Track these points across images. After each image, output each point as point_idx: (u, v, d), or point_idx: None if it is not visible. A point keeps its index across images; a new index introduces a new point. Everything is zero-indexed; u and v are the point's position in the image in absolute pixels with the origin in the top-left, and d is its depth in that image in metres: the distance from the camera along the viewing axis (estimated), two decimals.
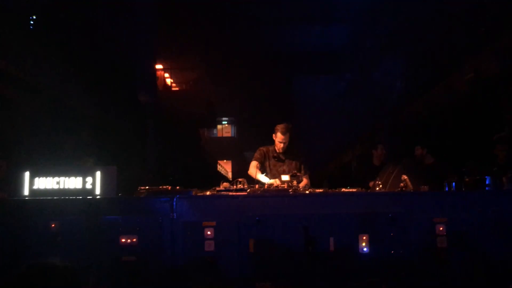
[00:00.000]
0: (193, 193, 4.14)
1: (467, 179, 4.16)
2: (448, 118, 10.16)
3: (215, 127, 27.39)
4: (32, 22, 9.12)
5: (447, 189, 4.24)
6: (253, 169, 5.28)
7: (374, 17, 18.84)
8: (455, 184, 4.21)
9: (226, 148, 26.98)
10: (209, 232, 3.76)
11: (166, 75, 20.52)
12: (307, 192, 4.18)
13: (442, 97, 10.87)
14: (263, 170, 5.35)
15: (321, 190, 4.27)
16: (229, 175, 26.66)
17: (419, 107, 12.27)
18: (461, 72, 9.85)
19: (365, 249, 3.72)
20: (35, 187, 4.03)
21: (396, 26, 17.59)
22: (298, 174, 4.63)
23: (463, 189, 4.14)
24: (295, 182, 4.37)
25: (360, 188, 4.38)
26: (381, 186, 4.50)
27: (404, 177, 4.22)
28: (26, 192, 4.02)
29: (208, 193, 4.17)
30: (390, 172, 4.58)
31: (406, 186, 4.18)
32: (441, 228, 3.71)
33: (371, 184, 5.55)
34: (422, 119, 11.96)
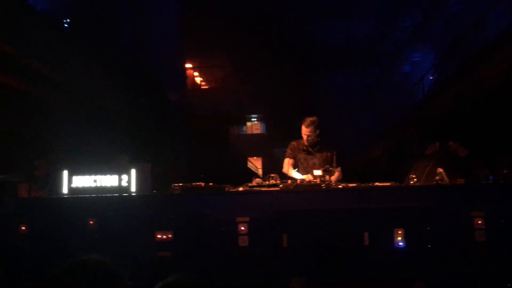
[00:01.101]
0: (226, 189, 4.17)
1: (505, 171, 4.05)
2: (479, 110, 9.87)
3: (244, 124, 27.45)
4: (66, 25, 9.35)
5: (484, 182, 4.14)
6: (287, 167, 5.32)
7: (400, 9, 18.53)
8: (492, 177, 4.11)
9: (255, 145, 26.96)
10: (242, 228, 3.79)
11: (195, 73, 20.70)
12: (340, 186, 4.15)
13: (473, 89, 10.58)
14: (295, 165, 5.37)
15: (354, 185, 4.23)
16: (259, 172, 26.67)
17: (449, 99, 11.98)
18: (494, 62, 9.56)
19: (400, 243, 3.67)
20: (73, 185, 4.14)
21: (424, 17, 17.28)
22: (331, 168, 4.60)
23: (502, 182, 4.03)
24: (327, 177, 4.34)
25: (392, 183, 4.32)
26: (415, 179, 4.42)
27: (440, 170, 4.14)
28: (65, 190, 4.14)
29: (240, 189, 4.20)
30: (424, 166, 4.50)
31: (442, 179, 4.10)
32: (479, 222, 3.63)
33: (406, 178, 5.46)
34: (453, 111, 11.67)
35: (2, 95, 7.54)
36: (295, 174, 5.11)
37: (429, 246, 3.67)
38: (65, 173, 4.16)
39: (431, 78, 15.28)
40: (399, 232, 3.68)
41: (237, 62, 20.85)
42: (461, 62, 11.84)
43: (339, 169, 5.23)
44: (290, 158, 5.38)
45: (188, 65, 18.92)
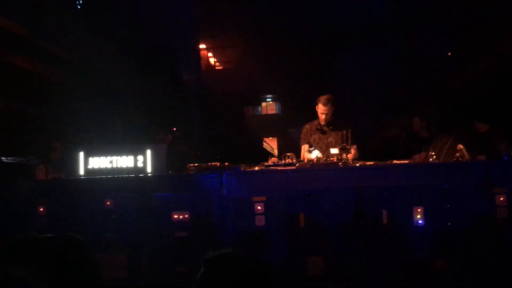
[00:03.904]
0: (242, 168, 4.14)
1: None
2: (499, 86, 9.63)
3: (259, 104, 27.35)
4: (78, 7, 9.32)
5: (506, 157, 4.03)
6: (303, 153, 5.31)
7: None
8: None
9: (271, 125, 26.91)
10: (259, 207, 3.76)
11: (209, 54, 20.59)
12: (357, 164, 4.09)
13: (492, 65, 10.32)
14: (311, 147, 5.35)
15: (371, 163, 4.16)
16: (275, 152, 26.66)
17: (468, 76, 11.72)
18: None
19: (420, 221, 3.61)
20: (89, 166, 4.15)
21: None
22: (347, 146, 4.53)
23: None
24: (344, 155, 4.27)
25: (410, 161, 4.24)
26: (434, 157, 4.33)
27: (460, 146, 4.03)
28: (81, 171, 4.15)
29: (256, 168, 4.16)
30: (444, 143, 4.40)
31: (462, 156, 4.00)
32: (501, 199, 3.54)
33: (415, 157, 5.37)
34: (472, 88, 11.42)
35: (19, 78, 7.59)
36: (312, 156, 5.08)
37: (449, 224, 3.60)
38: (81, 154, 4.17)
39: (449, 54, 14.97)
40: (419, 210, 3.62)
41: (251, 42, 20.67)
42: (480, 36, 11.53)
43: (355, 146, 5.16)
44: (305, 143, 5.37)
45: (202, 46, 18.80)
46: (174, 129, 6.16)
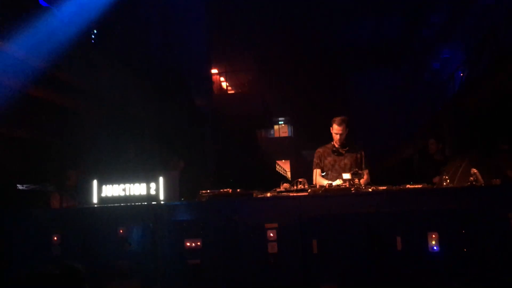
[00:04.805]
0: (254, 195, 4.13)
1: None
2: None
3: (272, 127, 27.46)
4: (93, 36, 9.53)
5: None
6: (315, 177, 5.32)
7: (429, 5, 18.13)
8: None
9: (284, 148, 26.97)
10: (271, 234, 3.74)
11: (222, 78, 20.81)
12: (370, 190, 4.06)
13: (506, 84, 10.24)
14: (324, 171, 5.35)
15: (384, 187, 4.13)
16: (288, 175, 26.61)
17: (484, 95, 11.63)
18: None
19: (435, 247, 3.56)
20: (103, 194, 4.19)
21: (454, 12, 16.86)
22: (360, 172, 4.52)
23: None
24: (356, 180, 4.26)
25: (425, 184, 4.20)
26: (448, 181, 4.29)
27: (474, 170, 3.99)
28: (95, 200, 4.19)
29: (268, 194, 4.16)
30: (457, 166, 4.36)
31: (476, 180, 3.96)
32: None
33: (435, 180, 5.33)
34: (488, 108, 11.32)
35: (34, 106, 7.74)
36: (324, 182, 5.07)
37: (465, 250, 3.54)
38: (95, 182, 4.22)
39: (461, 74, 14.93)
40: (433, 235, 3.56)
41: (263, 66, 20.87)
42: (493, 57, 11.50)
43: (367, 171, 5.17)
44: (318, 168, 5.37)
45: (214, 71, 19.02)
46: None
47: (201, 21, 15.25)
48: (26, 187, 7.65)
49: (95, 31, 9.49)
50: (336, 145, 5.33)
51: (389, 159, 21.02)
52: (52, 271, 1.96)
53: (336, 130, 5.26)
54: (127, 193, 4.16)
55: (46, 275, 1.94)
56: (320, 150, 5.47)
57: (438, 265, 3.57)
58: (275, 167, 24.82)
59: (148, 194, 4.12)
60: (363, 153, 5.38)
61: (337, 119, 5.27)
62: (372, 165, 5.51)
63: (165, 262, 3.85)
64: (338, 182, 4.66)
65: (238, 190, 4.15)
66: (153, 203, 4.08)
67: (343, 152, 5.32)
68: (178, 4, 13.86)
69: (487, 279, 3.50)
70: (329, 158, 5.37)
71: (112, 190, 4.19)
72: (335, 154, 5.35)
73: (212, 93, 17.55)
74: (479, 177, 3.97)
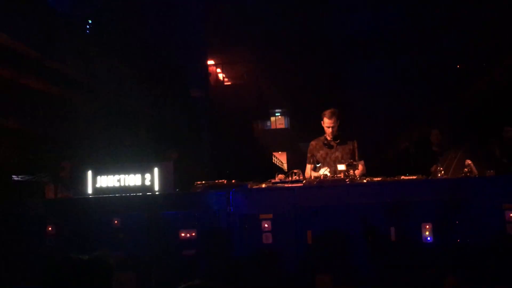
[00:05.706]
0: (249, 186, 4.13)
1: None
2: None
3: (269, 119, 27.42)
4: (88, 27, 9.47)
5: None
6: (309, 172, 5.28)
7: None
8: None
9: (280, 140, 26.95)
10: (266, 225, 3.75)
11: (218, 70, 20.73)
12: (364, 181, 4.06)
13: (506, 76, 10.24)
14: (317, 162, 5.32)
15: (379, 179, 4.13)
16: (285, 166, 26.64)
17: (481, 87, 11.62)
18: None
19: (428, 238, 3.57)
20: (97, 185, 4.18)
21: (452, 2, 16.79)
22: (354, 162, 4.51)
23: None
24: (351, 171, 4.25)
25: (420, 175, 4.20)
26: (443, 172, 4.30)
27: (468, 161, 4.00)
28: (89, 190, 4.18)
29: (263, 185, 4.16)
30: (452, 157, 4.37)
31: (470, 171, 3.96)
32: (511, 215, 3.49)
33: (433, 169, 5.33)
34: (485, 100, 11.32)
35: (29, 97, 7.71)
36: (319, 172, 5.06)
37: (458, 240, 3.55)
38: (89, 173, 4.21)
39: (458, 66, 14.91)
40: (427, 226, 3.58)
41: (259, 57, 20.78)
42: (492, 48, 11.48)
43: (362, 162, 5.14)
44: (309, 163, 5.34)
45: (210, 62, 18.95)
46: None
47: (197, 12, 15.16)
48: (21, 178, 7.64)
49: (90, 21, 9.42)
50: (329, 138, 5.31)
51: (385, 151, 21.06)
52: (81, 257, 2.04)
53: (327, 123, 5.23)
54: (122, 184, 4.16)
55: (76, 260, 2.03)
56: (313, 143, 5.44)
57: (432, 256, 3.58)
58: (272, 158, 24.84)
59: (143, 185, 4.12)
60: (356, 144, 5.34)
61: (327, 112, 5.23)
62: (368, 157, 5.48)
63: (160, 252, 3.86)
64: (325, 171, 4.67)
65: (233, 181, 4.15)
66: (148, 193, 4.07)
67: (334, 145, 5.30)
68: None
69: (481, 270, 3.51)
70: (321, 151, 5.35)
71: (107, 181, 4.18)
72: (327, 147, 5.33)
73: (209, 84, 17.49)
74: (473, 168, 3.98)
